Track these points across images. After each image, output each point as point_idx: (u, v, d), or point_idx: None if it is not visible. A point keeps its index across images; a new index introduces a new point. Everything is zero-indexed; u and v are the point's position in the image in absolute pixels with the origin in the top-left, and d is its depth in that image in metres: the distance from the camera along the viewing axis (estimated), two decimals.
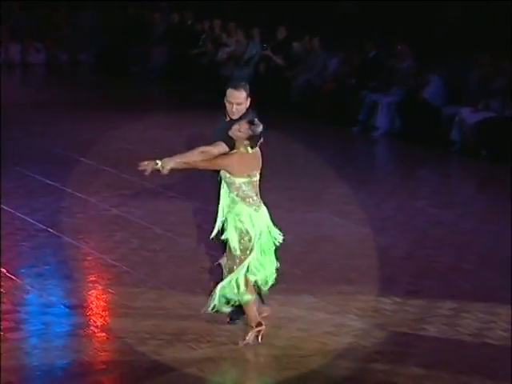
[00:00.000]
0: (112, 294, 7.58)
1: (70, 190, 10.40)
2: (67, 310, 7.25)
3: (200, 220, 9.27)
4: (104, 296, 7.60)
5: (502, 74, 12.81)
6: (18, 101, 16.47)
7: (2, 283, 7.61)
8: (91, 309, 7.34)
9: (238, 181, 6.43)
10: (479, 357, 6.48)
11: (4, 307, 7.15)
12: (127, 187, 10.44)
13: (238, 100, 6.68)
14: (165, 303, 7.29)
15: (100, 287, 7.77)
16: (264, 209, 6.57)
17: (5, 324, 6.79)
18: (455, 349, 6.61)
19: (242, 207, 6.43)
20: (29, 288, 7.64)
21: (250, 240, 6.46)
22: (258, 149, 6.56)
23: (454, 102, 13.20)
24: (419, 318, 7.13)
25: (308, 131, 14.44)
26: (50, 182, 10.71)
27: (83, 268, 8.25)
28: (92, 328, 6.88)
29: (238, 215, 6.43)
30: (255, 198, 6.49)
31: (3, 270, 7.91)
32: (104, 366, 6.23)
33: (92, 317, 7.13)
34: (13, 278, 7.78)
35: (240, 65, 16.93)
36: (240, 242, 6.46)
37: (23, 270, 8.03)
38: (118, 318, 7.08)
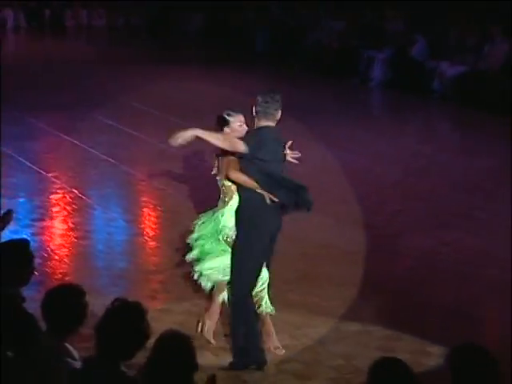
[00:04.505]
0: (160, 211, 7.64)
1: (124, 128, 10.42)
2: (125, 223, 7.34)
3: None
4: (154, 213, 7.67)
5: (475, 33, 12.60)
6: (84, 57, 16.40)
7: (75, 201, 7.72)
8: (144, 222, 7.42)
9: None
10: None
11: (77, 220, 7.26)
12: (172, 126, 10.41)
13: None
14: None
15: (151, 206, 7.84)
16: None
17: (77, 233, 6.90)
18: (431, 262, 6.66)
19: None
20: (95, 206, 7.73)
21: None
22: None
23: (435, 58, 13.00)
24: (402, 232, 7.17)
25: (316, 82, 14.30)
26: (109, 122, 10.72)
27: (137, 191, 8.32)
28: (145, 238, 6.97)
29: None
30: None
31: (75, 191, 8.00)
32: (154, 268, 6.33)
33: (145, 229, 7.22)
34: (83, 197, 7.87)
35: (261, 26, 16.69)
36: None
37: (91, 192, 8.11)
38: (166, 230, 7.16)
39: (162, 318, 5.24)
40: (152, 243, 6.85)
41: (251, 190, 4.73)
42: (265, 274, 4.93)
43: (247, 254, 4.73)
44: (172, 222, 7.27)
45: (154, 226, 7.32)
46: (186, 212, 7.50)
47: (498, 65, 11.80)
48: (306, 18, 15.94)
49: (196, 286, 5.89)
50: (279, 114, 4.85)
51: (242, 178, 4.78)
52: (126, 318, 3.17)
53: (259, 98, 4.80)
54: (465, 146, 10.26)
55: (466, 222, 7.33)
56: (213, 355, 4.93)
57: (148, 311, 3.30)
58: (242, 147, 4.70)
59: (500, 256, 6.54)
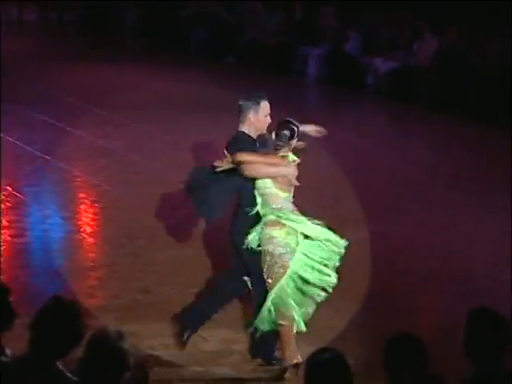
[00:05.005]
0: (97, 207, 7.52)
1: (59, 125, 10.20)
2: (62, 220, 7.19)
3: (170, 148, 9.25)
4: (91, 209, 7.53)
5: (406, 31, 12.83)
6: (16, 53, 15.98)
7: (8, 199, 7.51)
8: (81, 219, 7.27)
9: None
10: None
11: (12, 217, 7.06)
12: (109, 122, 10.28)
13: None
14: (141, 216, 7.26)
15: (88, 202, 7.70)
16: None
17: (12, 231, 6.71)
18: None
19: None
20: (31, 203, 7.54)
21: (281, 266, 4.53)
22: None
23: (368, 53, 13.17)
24: (336, 225, 7.18)
25: (253, 78, 14.28)
26: (45, 119, 10.48)
27: (74, 187, 8.15)
28: (82, 235, 6.83)
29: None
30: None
31: (9, 188, 7.78)
32: (92, 264, 6.22)
33: (82, 226, 7.08)
34: (17, 195, 7.67)
35: (197, 24, 16.59)
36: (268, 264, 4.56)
37: (26, 189, 7.91)
38: (103, 226, 7.04)
39: (99, 316, 5.14)
40: (89, 240, 6.73)
41: None
42: None
43: None
44: (109, 219, 7.16)
45: (91, 223, 7.19)
46: (123, 208, 7.40)
47: (427, 61, 12.06)
48: (242, 16, 15.92)
49: (135, 283, 5.81)
50: (257, 116, 4.61)
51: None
52: (61, 315, 3.10)
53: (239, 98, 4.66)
54: (399, 140, 10.41)
55: (400, 215, 7.43)
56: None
57: (85, 309, 3.22)
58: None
59: (433, 248, 6.65)
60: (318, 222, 4.74)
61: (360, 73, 13.07)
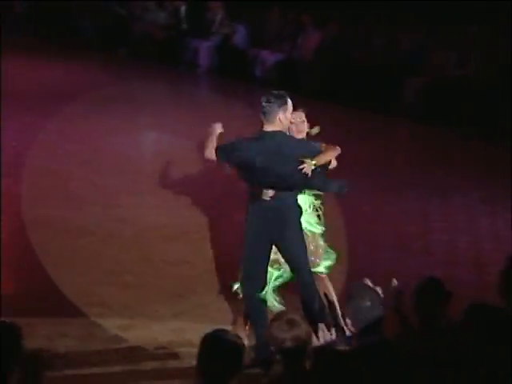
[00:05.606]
0: None
1: None
2: None
3: (57, 138, 9.06)
4: None
5: (291, 24, 13.11)
6: None
7: None
8: None
9: None
10: None
11: None
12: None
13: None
14: (31, 207, 7.09)
15: None
16: None
17: None
18: None
19: None
20: None
21: None
22: None
23: (256, 46, 13.35)
24: (229, 211, 7.29)
25: (143, 70, 14.14)
26: None
27: None
28: None
29: None
30: None
31: None
32: None
33: None
34: None
35: (89, 15, 16.24)
36: None
37: None
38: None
39: None
40: None
41: None
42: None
43: None
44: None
45: None
46: (13, 200, 7.21)
47: (309, 53, 12.39)
48: (134, 9, 15.71)
49: (28, 273, 5.69)
50: (285, 115, 4.65)
51: None
52: None
53: (262, 99, 4.65)
54: None
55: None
56: None
57: None
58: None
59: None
60: None
61: (248, 64, 13.23)
